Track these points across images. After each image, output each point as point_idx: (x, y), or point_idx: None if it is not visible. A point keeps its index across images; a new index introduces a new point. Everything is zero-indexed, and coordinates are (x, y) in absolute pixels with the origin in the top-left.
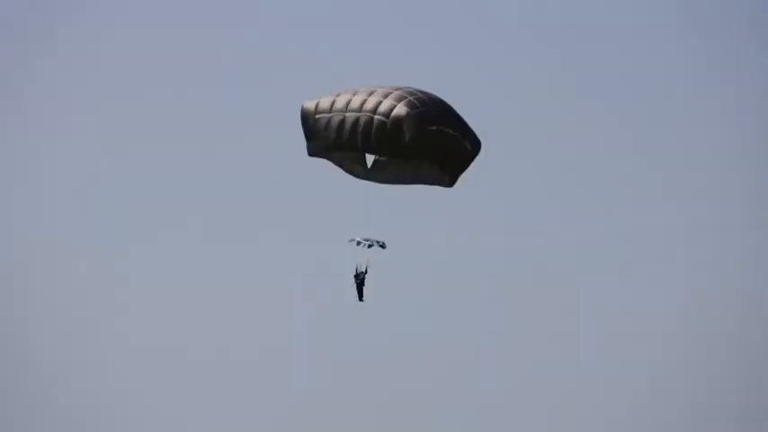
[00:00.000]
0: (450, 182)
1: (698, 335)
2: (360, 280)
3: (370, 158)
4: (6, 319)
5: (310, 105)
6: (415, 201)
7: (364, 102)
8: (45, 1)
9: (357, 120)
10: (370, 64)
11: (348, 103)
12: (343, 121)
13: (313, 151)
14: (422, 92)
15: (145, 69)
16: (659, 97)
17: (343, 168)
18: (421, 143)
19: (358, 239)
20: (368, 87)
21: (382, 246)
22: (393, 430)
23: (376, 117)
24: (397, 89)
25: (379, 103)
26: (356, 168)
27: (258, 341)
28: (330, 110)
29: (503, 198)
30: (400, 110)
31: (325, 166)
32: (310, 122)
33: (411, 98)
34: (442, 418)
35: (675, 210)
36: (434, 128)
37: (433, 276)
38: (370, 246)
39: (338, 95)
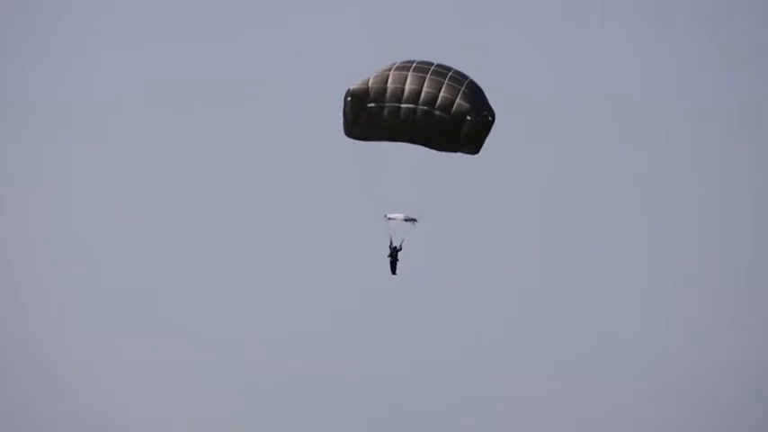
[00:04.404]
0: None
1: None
2: (394, 255)
3: None
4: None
5: (360, 91)
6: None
7: (418, 92)
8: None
9: (414, 111)
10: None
11: (402, 92)
12: (398, 112)
13: (357, 136)
14: (461, 75)
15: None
16: (660, 97)
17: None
18: (475, 134)
19: (390, 215)
20: (415, 70)
21: (413, 221)
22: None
23: (436, 112)
24: (442, 70)
25: (435, 95)
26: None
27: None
28: (384, 100)
29: (504, 199)
30: (461, 107)
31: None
32: (363, 111)
33: (464, 89)
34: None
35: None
36: (480, 117)
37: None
38: (394, 219)
39: (387, 80)
